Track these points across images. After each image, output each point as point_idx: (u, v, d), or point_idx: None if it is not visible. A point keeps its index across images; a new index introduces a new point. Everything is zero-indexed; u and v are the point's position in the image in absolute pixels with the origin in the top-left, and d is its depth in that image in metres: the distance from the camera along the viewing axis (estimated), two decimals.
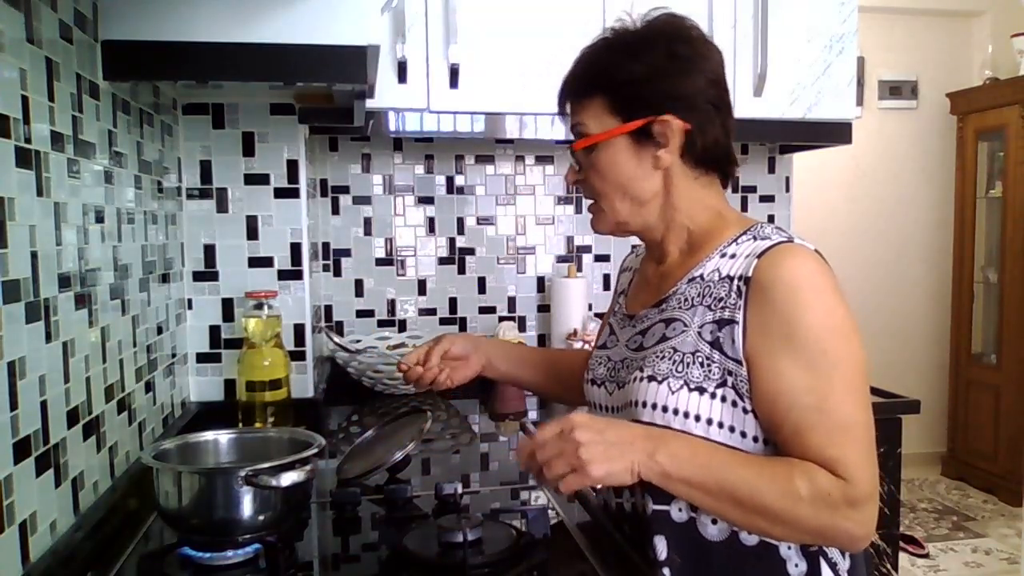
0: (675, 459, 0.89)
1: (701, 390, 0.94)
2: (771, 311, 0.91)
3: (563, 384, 1.32)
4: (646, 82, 0.99)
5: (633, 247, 1.27)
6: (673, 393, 0.95)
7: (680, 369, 0.95)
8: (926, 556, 3.39)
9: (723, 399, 0.94)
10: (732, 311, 0.94)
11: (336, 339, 1.53)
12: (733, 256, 0.98)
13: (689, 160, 1.02)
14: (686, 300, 0.99)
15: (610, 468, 0.88)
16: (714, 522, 0.95)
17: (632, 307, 1.13)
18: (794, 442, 0.90)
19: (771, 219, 2.49)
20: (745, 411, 0.93)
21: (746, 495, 0.88)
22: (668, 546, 0.97)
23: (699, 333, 0.96)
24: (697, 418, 0.94)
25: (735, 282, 0.95)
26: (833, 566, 0.96)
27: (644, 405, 0.97)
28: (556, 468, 0.88)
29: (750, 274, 0.93)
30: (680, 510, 0.97)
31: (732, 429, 0.94)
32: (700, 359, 0.95)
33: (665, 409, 0.95)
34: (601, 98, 1.01)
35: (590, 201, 1.08)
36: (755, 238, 0.99)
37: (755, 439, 0.95)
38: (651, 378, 0.97)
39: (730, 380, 0.93)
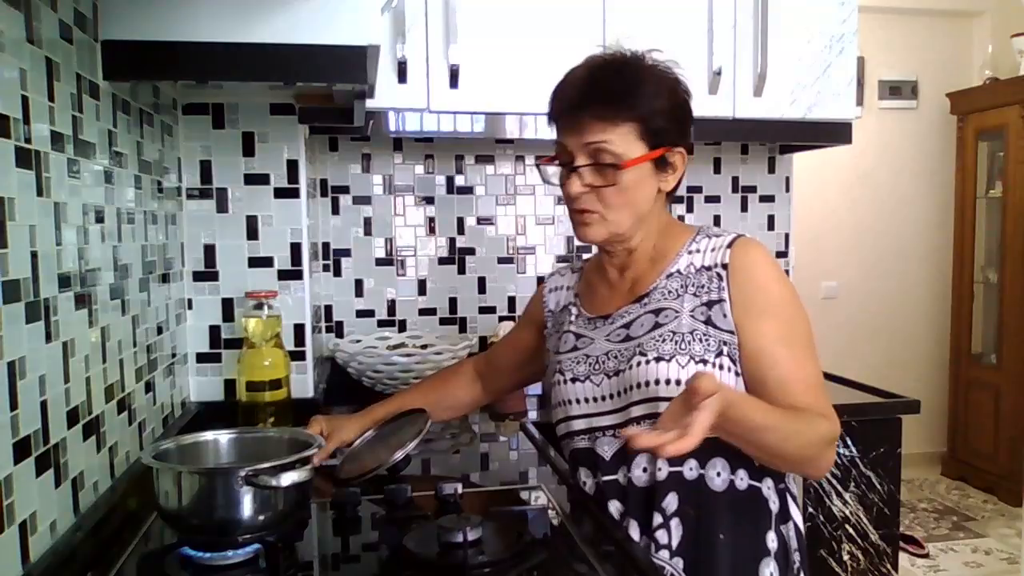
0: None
1: (704, 362, 1.10)
2: (751, 287, 1.12)
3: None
4: (670, 116, 1.14)
5: (558, 269, 1.41)
6: (683, 368, 1.10)
7: (683, 347, 1.11)
8: (926, 556, 3.39)
9: (720, 367, 1.11)
10: (717, 293, 1.13)
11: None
12: (699, 251, 1.18)
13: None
14: (670, 292, 1.17)
15: None
16: (718, 475, 1.12)
17: (599, 310, 1.25)
18: (779, 392, 1.08)
19: (771, 219, 2.50)
20: (737, 374, 1.12)
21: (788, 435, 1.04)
22: (680, 501, 1.11)
23: (692, 315, 1.13)
24: None
25: (713, 270, 1.15)
26: (793, 498, 1.19)
27: (657, 383, 1.10)
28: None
29: (727, 261, 1.14)
30: (691, 469, 1.12)
31: None
32: (699, 336, 1.12)
33: (679, 383, 1.08)
34: (634, 125, 1.12)
35: (586, 211, 1.16)
36: (708, 236, 1.19)
37: None
38: (658, 359, 1.11)
39: (725, 349, 1.11)
